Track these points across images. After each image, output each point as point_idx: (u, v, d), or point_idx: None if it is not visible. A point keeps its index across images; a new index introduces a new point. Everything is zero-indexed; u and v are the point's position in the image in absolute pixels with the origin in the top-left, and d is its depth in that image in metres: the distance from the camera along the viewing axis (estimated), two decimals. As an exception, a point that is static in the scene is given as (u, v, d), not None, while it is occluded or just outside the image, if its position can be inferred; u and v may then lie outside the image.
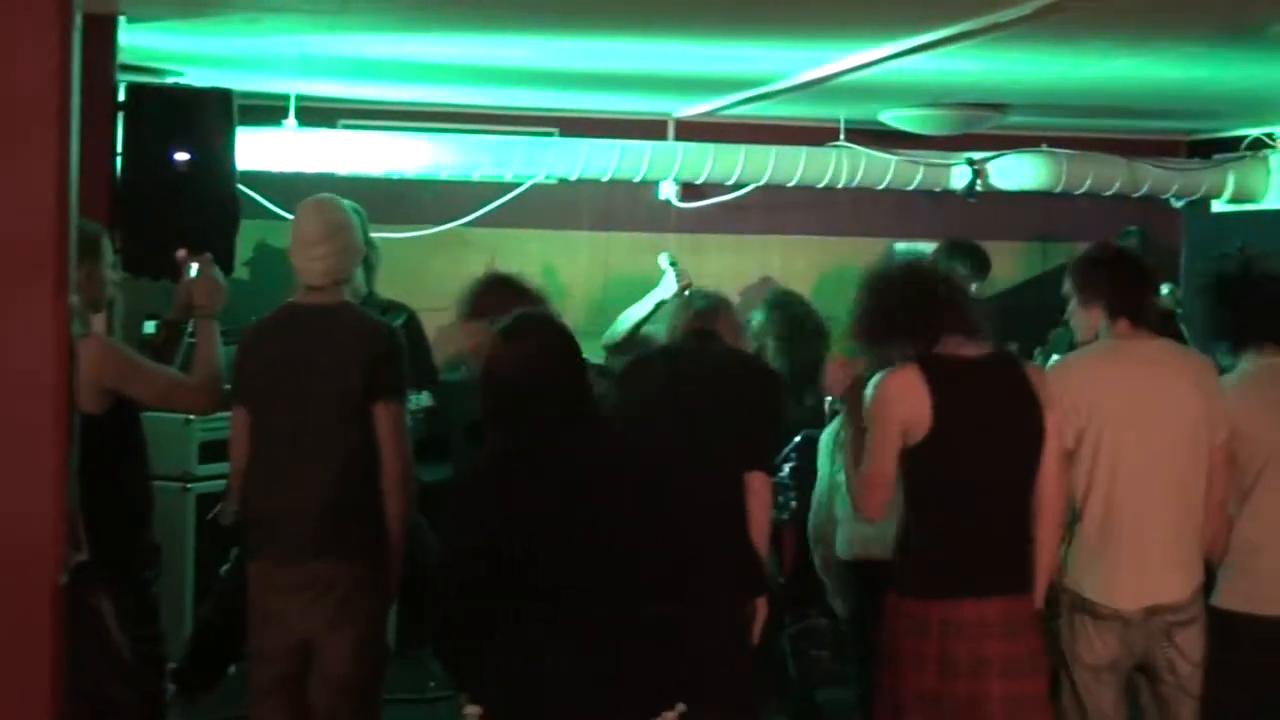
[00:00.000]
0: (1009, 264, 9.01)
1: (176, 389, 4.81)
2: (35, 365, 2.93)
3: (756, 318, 6.09)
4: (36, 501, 2.96)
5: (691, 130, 8.73)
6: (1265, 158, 8.67)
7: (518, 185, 8.43)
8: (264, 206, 7.55)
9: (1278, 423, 4.69)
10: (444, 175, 8.17)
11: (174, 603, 5.90)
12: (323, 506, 4.71)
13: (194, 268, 5.02)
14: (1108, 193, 8.85)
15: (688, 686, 5.06)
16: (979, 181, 8.69)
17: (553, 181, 8.44)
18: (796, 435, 6.74)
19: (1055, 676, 4.51)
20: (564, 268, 8.72)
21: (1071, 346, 4.97)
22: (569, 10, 5.51)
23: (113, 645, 3.56)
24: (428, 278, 8.26)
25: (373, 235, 6.48)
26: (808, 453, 5.96)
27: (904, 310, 4.25)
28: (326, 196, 5.08)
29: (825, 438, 5.64)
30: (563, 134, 8.51)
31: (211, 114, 6.03)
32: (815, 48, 6.12)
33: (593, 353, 5.89)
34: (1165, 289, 7.02)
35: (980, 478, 4.22)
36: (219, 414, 5.08)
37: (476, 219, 8.50)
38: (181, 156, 5.91)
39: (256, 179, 7.53)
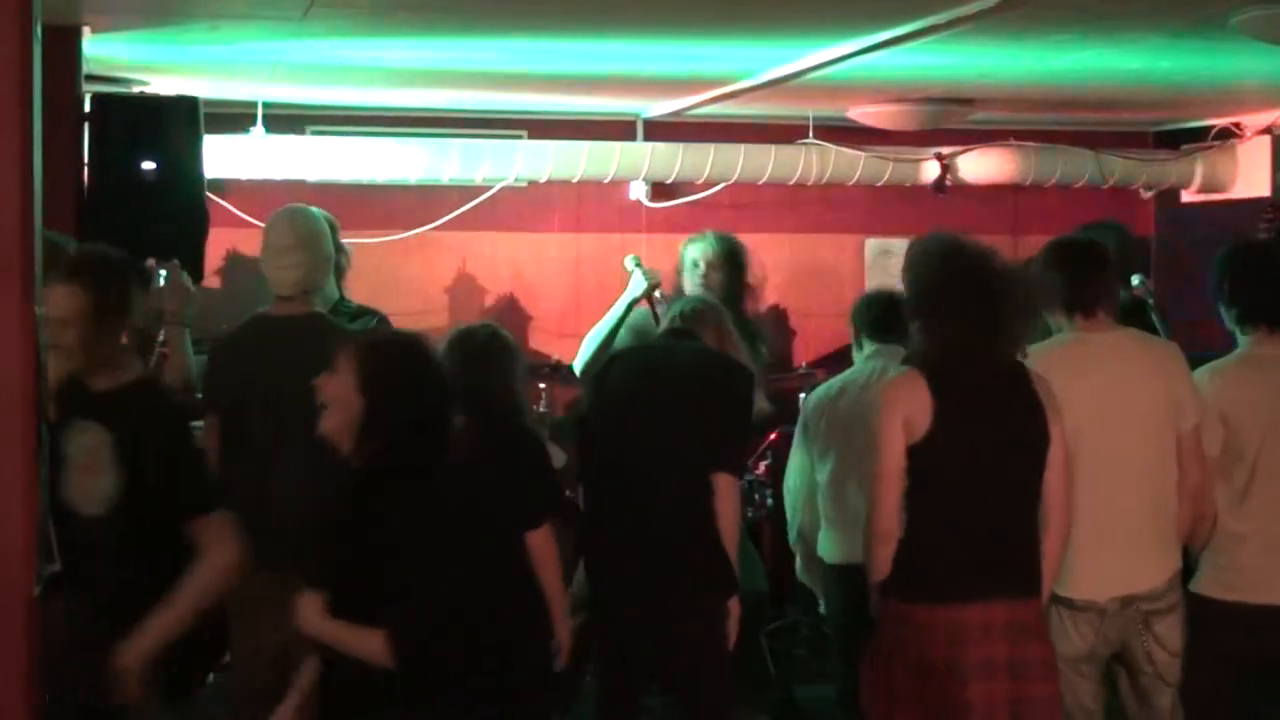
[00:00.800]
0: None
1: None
2: (3, 375, 2.92)
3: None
4: (6, 512, 2.94)
5: (660, 130, 8.73)
6: (1232, 147, 8.70)
7: (488, 188, 8.42)
8: (233, 214, 7.52)
9: (1265, 414, 4.70)
10: (413, 179, 8.15)
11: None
12: (301, 515, 4.70)
13: (162, 275, 5.02)
14: (1076, 185, 8.88)
15: (661, 683, 5.07)
16: (948, 176, 8.70)
17: (522, 184, 8.43)
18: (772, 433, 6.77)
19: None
20: (535, 270, 8.72)
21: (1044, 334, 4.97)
22: (534, 12, 5.50)
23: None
24: (399, 282, 8.27)
25: (343, 241, 6.47)
26: (783, 450, 5.97)
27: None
28: (298, 207, 5.08)
29: (797, 435, 5.65)
30: (531, 136, 8.49)
31: (178, 122, 6.02)
32: (782, 45, 6.13)
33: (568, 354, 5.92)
34: (1136, 279, 7.04)
35: (982, 482, 4.19)
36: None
37: (447, 222, 8.48)
38: (149, 165, 5.91)
39: (225, 186, 7.52)
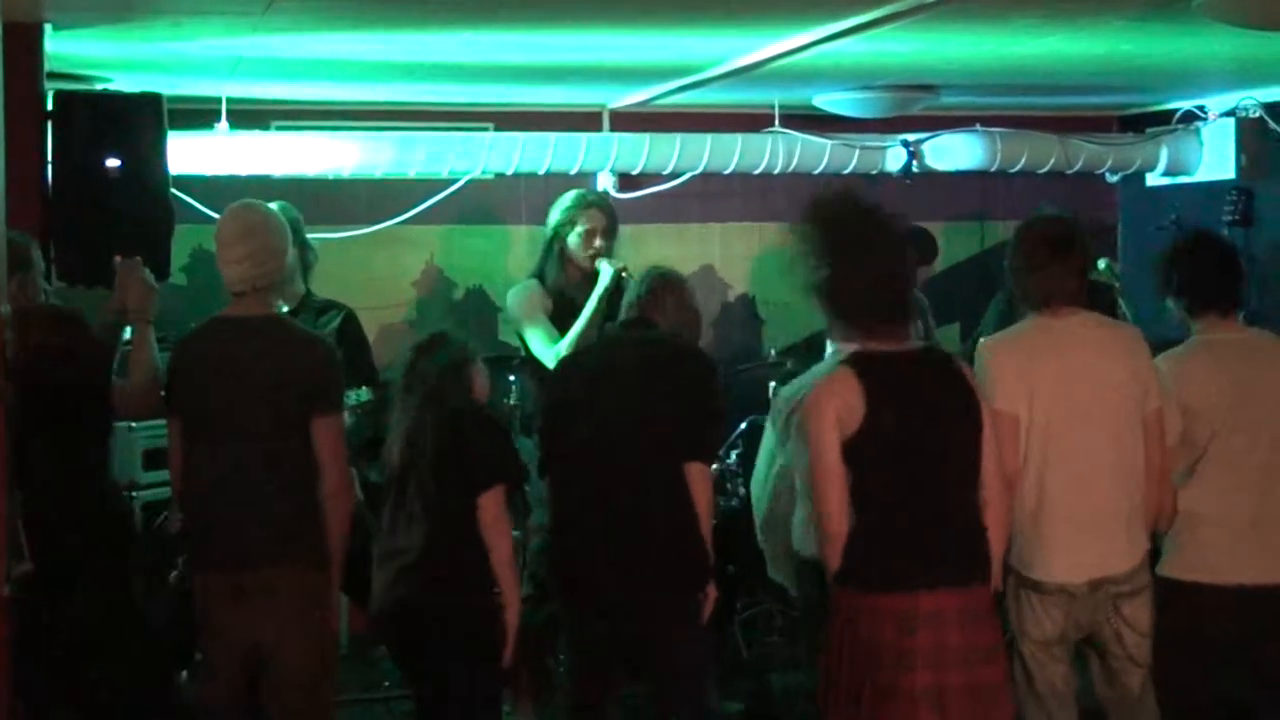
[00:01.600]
0: (947, 244, 9.06)
1: (114, 393, 4.80)
2: (-33, 376, 2.91)
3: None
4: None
5: (626, 121, 8.72)
6: (1196, 130, 8.73)
7: (454, 181, 8.40)
8: (199, 211, 7.49)
9: (1223, 396, 4.73)
10: (380, 174, 8.13)
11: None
12: (266, 515, 4.70)
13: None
14: (1042, 170, 8.90)
15: (636, 671, 5.08)
16: (915, 163, 8.71)
17: (489, 176, 8.41)
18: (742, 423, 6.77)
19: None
20: (504, 263, 8.70)
21: (1005, 317, 5.00)
22: (496, 4, 5.50)
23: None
24: (367, 277, 8.26)
25: (310, 236, 6.46)
26: (754, 439, 5.97)
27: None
28: (248, 201, 5.06)
29: (768, 426, 5.65)
30: (498, 129, 8.47)
31: (142, 119, 5.99)
32: (746, 33, 6.13)
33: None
34: (1102, 263, 7.07)
35: (919, 470, 4.19)
36: (161, 420, 5.08)
37: (414, 216, 8.46)
38: (113, 163, 5.87)
39: (190, 183, 7.48)
